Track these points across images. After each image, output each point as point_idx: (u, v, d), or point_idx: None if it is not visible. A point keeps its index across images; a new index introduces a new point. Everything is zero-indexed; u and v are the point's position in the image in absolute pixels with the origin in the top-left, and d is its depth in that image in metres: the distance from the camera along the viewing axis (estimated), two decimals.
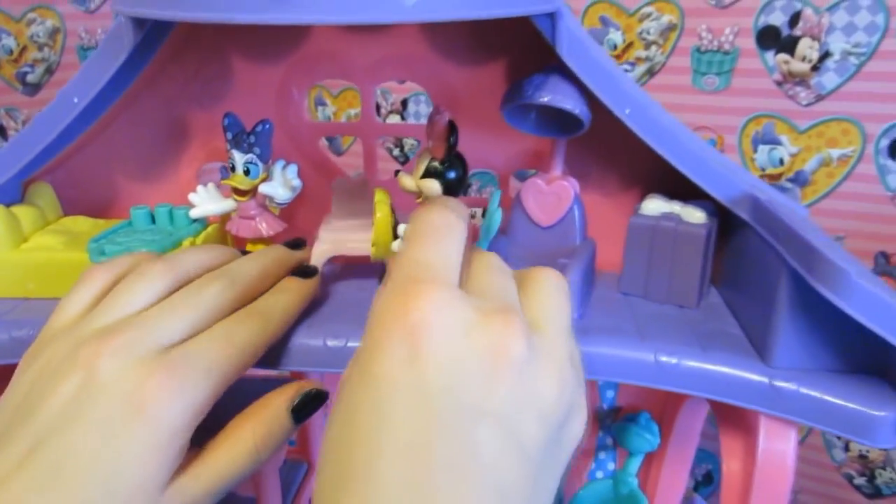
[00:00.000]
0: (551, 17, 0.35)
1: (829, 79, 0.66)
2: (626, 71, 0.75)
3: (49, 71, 0.93)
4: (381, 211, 0.37)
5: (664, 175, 0.39)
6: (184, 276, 0.31)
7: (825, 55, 0.66)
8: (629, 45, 0.74)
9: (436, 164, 0.36)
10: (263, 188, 0.40)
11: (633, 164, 0.42)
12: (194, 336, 0.28)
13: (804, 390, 0.33)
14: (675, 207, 0.40)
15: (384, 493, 0.20)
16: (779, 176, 0.72)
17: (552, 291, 0.27)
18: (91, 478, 0.24)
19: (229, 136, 0.40)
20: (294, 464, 0.52)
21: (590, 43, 0.36)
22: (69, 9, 0.90)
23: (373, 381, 0.22)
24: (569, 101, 0.37)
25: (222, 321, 0.30)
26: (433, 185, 0.36)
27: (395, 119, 0.91)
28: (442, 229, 0.26)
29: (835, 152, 0.68)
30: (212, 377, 0.28)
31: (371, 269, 0.40)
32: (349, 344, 0.36)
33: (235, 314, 0.31)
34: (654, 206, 0.40)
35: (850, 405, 0.32)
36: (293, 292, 0.34)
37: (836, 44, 0.65)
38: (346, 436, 0.22)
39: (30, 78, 0.93)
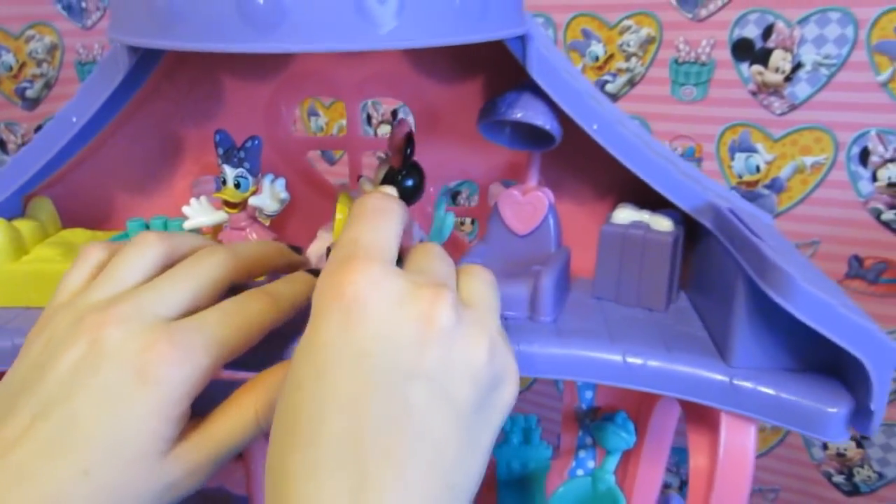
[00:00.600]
0: (522, 39, 0.37)
1: (801, 89, 0.68)
2: (608, 82, 0.77)
3: (48, 86, 0.95)
4: (341, 212, 0.39)
5: (634, 185, 0.41)
6: (179, 248, 0.32)
7: (797, 66, 0.67)
8: (610, 57, 0.76)
9: (393, 171, 0.38)
10: (253, 200, 0.43)
11: (606, 175, 0.44)
12: (197, 306, 0.29)
13: (761, 388, 0.35)
14: (644, 216, 0.42)
15: (325, 448, 0.22)
16: (756, 182, 0.73)
17: (483, 281, 0.29)
18: (94, 444, 0.25)
19: (220, 151, 0.42)
20: None
21: (559, 62, 0.39)
22: (67, 25, 0.92)
23: (314, 349, 0.24)
24: (540, 118, 0.39)
25: (233, 297, 0.31)
26: (390, 191, 0.37)
27: (386, 129, 0.93)
28: (378, 212, 0.28)
29: (808, 160, 0.70)
30: (215, 348, 0.28)
31: None
32: None
33: (246, 292, 0.32)
34: (625, 214, 0.42)
35: (804, 402, 0.34)
36: (303, 283, 0.35)
37: (808, 55, 0.67)
38: (293, 400, 0.24)
39: (29, 93, 0.95)
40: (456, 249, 0.49)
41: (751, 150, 0.72)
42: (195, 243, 0.33)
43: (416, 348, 0.24)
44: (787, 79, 0.68)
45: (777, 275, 0.31)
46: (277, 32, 0.28)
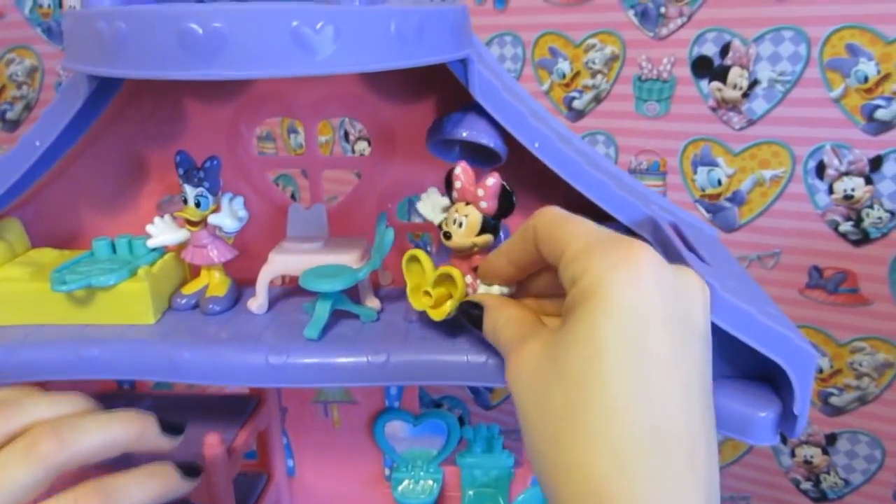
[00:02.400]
0: (463, 63, 0.39)
1: (758, 105, 0.69)
2: (575, 98, 0.79)
3: (28, 108, 0.97)
4: (458, 281, 0.37)
5: (581, 199, 0.42)
6: (17, 426, 0.29)
7: (754, 83, 0.69)
8: (577, 74, 0.77)
9: (489, 219, 0.38)
10: (212, 219, 0.44)
11: (554, 190, 0.45)
12: None
13: None
14: None
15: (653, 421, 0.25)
16: (718, 195, 0.74)
17: None
18: None
19: (181, 171, 0.44)
20: (253, 475, 0.56)
21: (502, 84, 0.40)
22: (47, 48, 0.94)
23: (618, 314, 0.25)
24: (484, 136, 0.41)
25: (64, 494, 0.28)
26: (490, 238, 0.38)
27: (363, 145, 0.94)
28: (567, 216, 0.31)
29: (767, 173, 0.71)
30: None
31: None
32: (289, 360, 0.39)
33: (77, 491, 0.28)
34: None
35: (736, 407, 0.35)
36: (160, 484, 0.32)
37: (764, 72, 0.68)
38: (593, 369, 0.25)
39: (9, 115, 0.97)
40: None
41: (712, 163, 0.73)
42: (38, 417, 0.30)
43: (692, 308, 0.28)
44: (745, 95, 0.70)
45: None
46: (218, 60, 0.30)
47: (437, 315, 0.38)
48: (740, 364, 0.37)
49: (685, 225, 0.43)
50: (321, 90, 0.47)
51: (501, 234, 0.43)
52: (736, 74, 0.69)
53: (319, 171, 0.49)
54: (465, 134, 0.41)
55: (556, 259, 0.29)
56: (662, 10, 0.71)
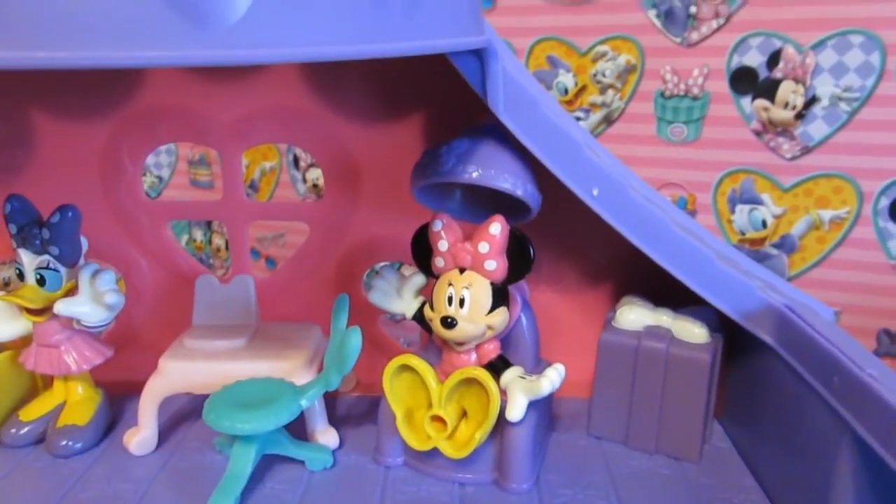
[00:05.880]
0: (479, 56, 0.23)
1: (816, 128, 0.58)
2: (580, 119, 0.66)
3: None
4: (492, 392, 0.26)
5: (642, 269, 0.29)
6: None
7: (811, 101, 0.58)
8: (582, 89, 0.66)
9: (499, 286, 0.27)
10: (61, 307, 0.28)
11: (600, 256, 0.32)
12: None
13: None
14: (664, 318, 0.31)
15: None
16: (762, 240, 0.64)
17: None
18: None
19: (13, 229, 0.28)
20: None
21: (538, 92, 0.25)
22: None
23: None
24: (507, 178, 0.26)
25: None
26: (506, 315, 0.27)
27: (316, 173, 0.80)
28: None
29: (826, 214, 0.59)
30: None
31: None
32: None
33: None
34: (635, 316, 0.32)
35: None
36: None
37: (824, 87, 0.57)
38: None
39: None
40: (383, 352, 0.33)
41: (755, 201, 0.62)
42: None
43: None
44: (799, 116, 0.58)
45: None
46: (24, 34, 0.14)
47: (459, 450, 0.27)
48: None
49: (801, 310, 0.29)
50: (247, 103, 0.31)
51: (522, 317, 0.28)
52: (788, 90, 0.59)
53: (243, 223, 0.33)
54: (475, 174, 0.25)
55: None
56: (693, 9, 0.61)
